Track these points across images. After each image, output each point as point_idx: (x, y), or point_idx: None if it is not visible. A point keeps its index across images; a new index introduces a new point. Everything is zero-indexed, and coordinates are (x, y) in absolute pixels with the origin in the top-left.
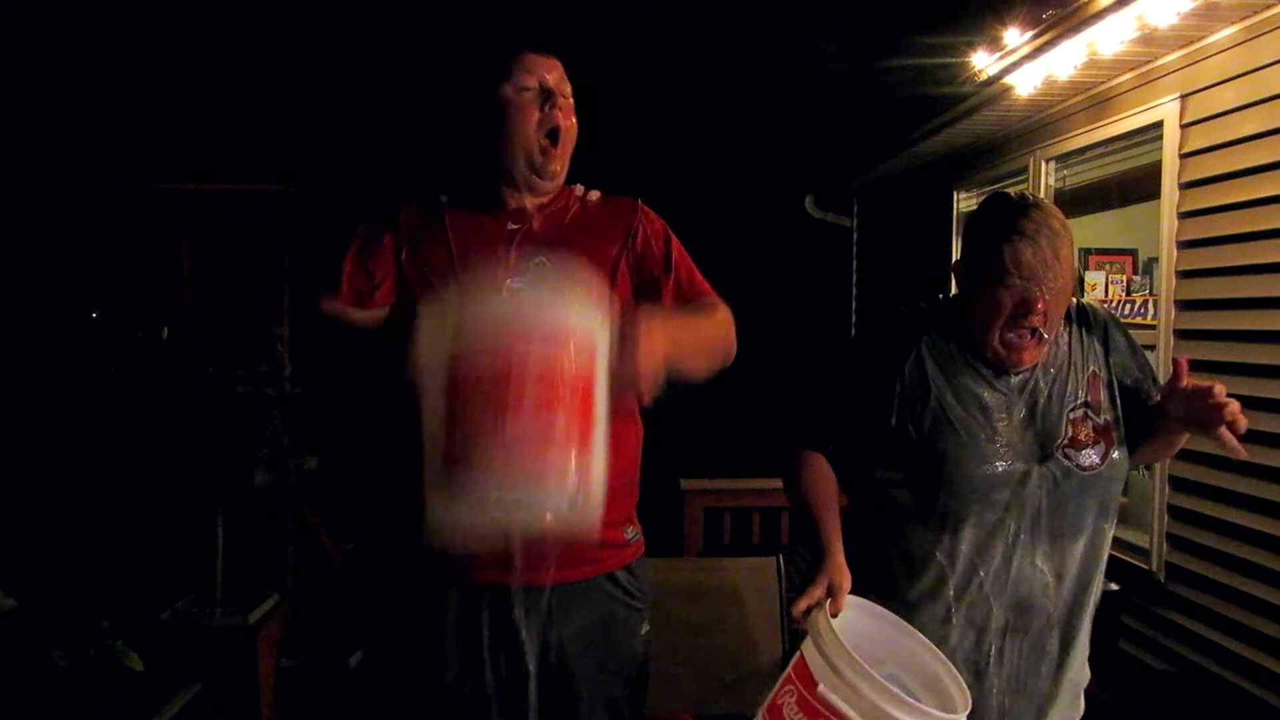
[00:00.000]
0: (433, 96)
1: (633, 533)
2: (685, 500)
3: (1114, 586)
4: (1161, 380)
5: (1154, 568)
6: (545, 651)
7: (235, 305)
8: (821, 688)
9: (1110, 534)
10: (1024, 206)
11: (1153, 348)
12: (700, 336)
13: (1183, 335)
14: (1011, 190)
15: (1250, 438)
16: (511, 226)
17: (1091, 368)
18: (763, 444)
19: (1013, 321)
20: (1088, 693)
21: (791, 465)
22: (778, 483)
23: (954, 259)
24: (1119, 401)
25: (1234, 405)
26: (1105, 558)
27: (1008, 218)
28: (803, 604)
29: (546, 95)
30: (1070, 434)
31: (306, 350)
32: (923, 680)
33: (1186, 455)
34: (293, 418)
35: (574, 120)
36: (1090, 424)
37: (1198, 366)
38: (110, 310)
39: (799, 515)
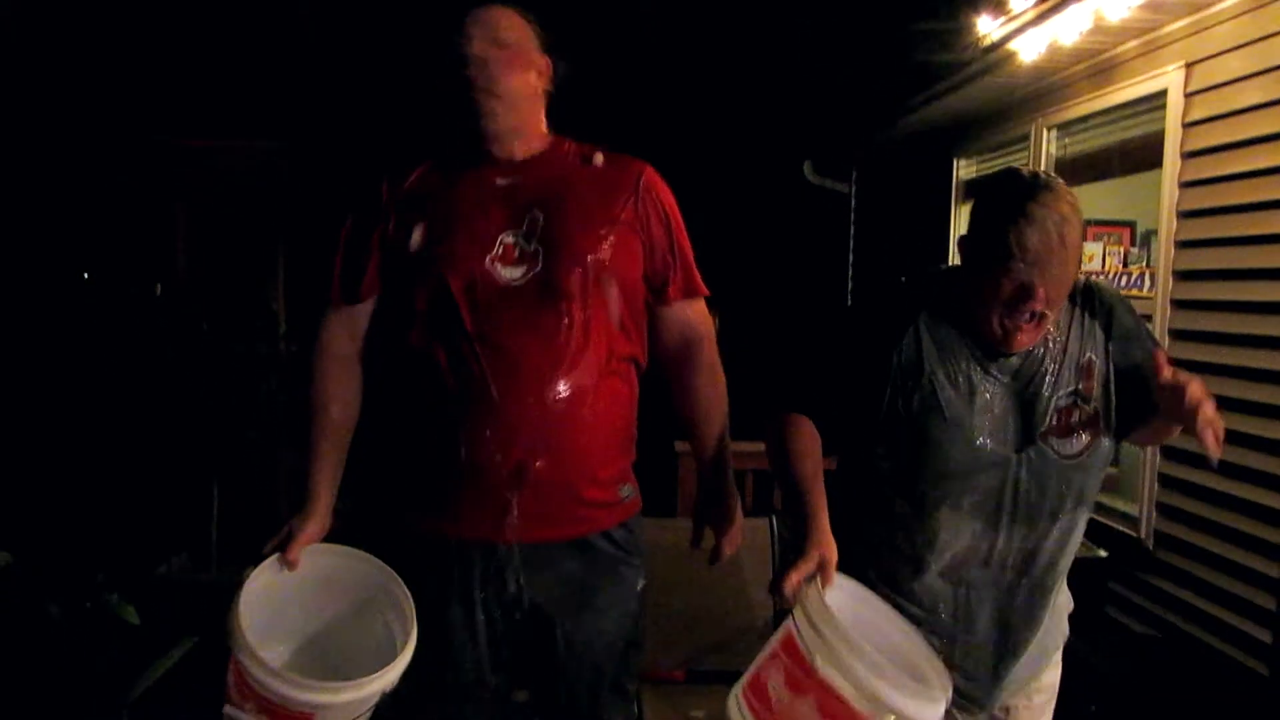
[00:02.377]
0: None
1: (628, 491)
2: (679, 461)
3: (1102, 553)
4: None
5: (1143, 535)
6: (541, 608)
7: (230, 263)
8: (820, 663)
9: (1086, 518)
10: (1034, 187)
11: (1150, 318)
12: (726, 418)
13: (1180, 305)
14: (1023, 167)
15: (1245, 408)
16: (501, 180)
17: (1089, 354)
18: (757, 407)
19: (1011, 306)
20: (1073, 655)
21: (777, 428)
22: None
23: (954, 229)
24: (1113, 388)
25: (1207, 410)
26: (1079, 539)
27: (1016, 198)
28: (794, 578)
29: (464, 56)
30: (1056, 421)
31: (301, 307)
32: (903, 666)
33: None
34: (287, 376)
35: (504, 70)
36: (1078, 412)
37: (1196, 337)
38: (103, 267)
39: (783, 480)
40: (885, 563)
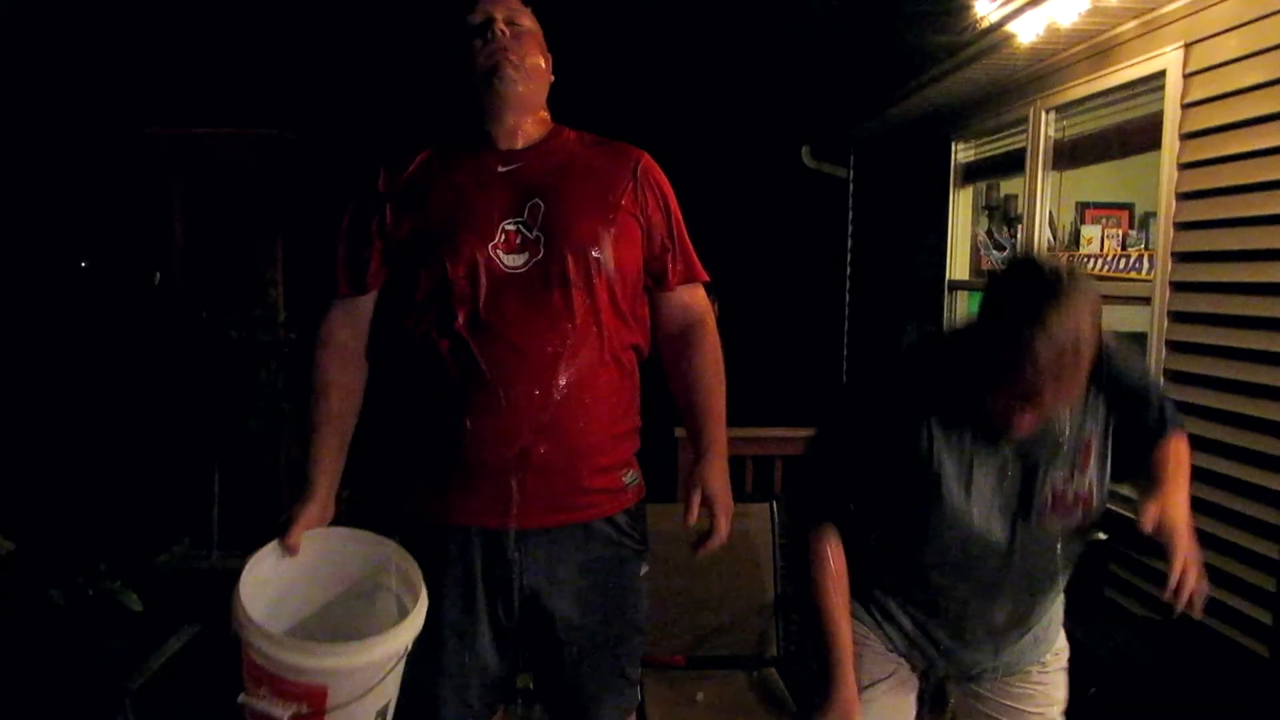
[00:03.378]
0: (421, 43)
1: (632, 477)
2: (679, 448)
3: (1102, 536)
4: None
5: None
6: (544, 593)
7: (228, 250)
8: None
9: (1071, 570)
10: (1053, 291)
11: (1148, 300)
12: (724, 396)
13: (1179, 288)
14: (1044, 260)
15: (1244, 391)
16: (502, 167)
17: (1089, 432)
18: (756, 395)
19: (1016, 402)
20: (1074, 639)
21: (805, 551)
22: (772, 431)
23: (952, 213)
24: (1110, 458)
25: (1184, 595)
26: (1064, 587)
27: (1035, 305)
28: None
29: (487, 23)
30: (1052, 500)
31: (301, 295)
32: None
33: (1177, 404)
34: (287, 363)
35: (521, 42)
36: (1073, 493)
37: (1194, 319)
38: (101, 256)
39: (809, 612)
40: (880, 582)
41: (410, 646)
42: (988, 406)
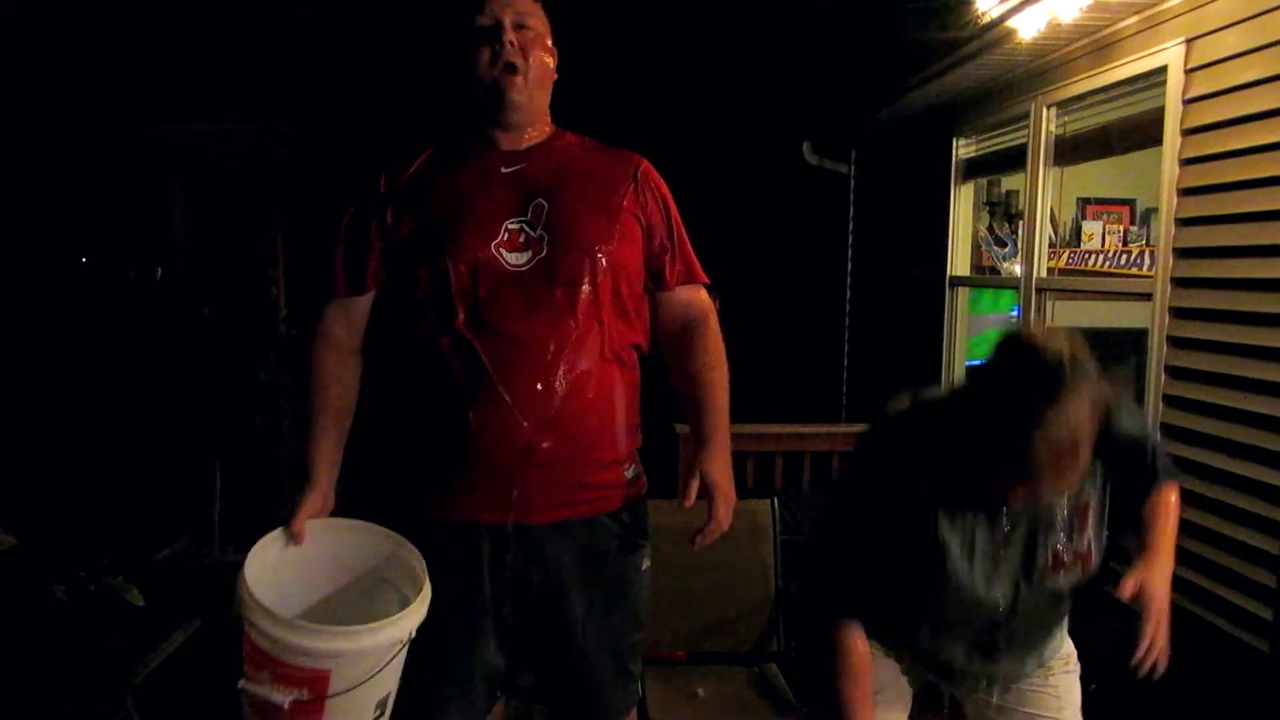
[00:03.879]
0: (422, 41)
1: (634, 472)
2: (680, 444)
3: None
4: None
5: None
6: (547, 588)
7: (229, 246)
8: None
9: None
10: (1052, 386)
11: (1150, 296)
12: (727, 392)
13: (1180, 283)
14: (1044, 347)
15: (1241, 385)
16: (505, 168)
17: (1087, 494)
18: (757, 390)
19: (1015, 483)
20: (1075, 635)
21: (829, 642)
22: (772, 427)
23: (953, 209)
24: (1107, 521)
25: (1148, 662)
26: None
27: (1033, 401)
28: None
29: (495, 29)
30: (1050, 562)
31: (301, 290)
32: None
33: (1175, 402)
34: (288, 359)
35: (530, 50)
36: (1071, 552)
37: (1194, 315)
38: (103, 252)
39: (829, 707)
40: (878, 634)
41: (414, 634)
42: (987, 486)
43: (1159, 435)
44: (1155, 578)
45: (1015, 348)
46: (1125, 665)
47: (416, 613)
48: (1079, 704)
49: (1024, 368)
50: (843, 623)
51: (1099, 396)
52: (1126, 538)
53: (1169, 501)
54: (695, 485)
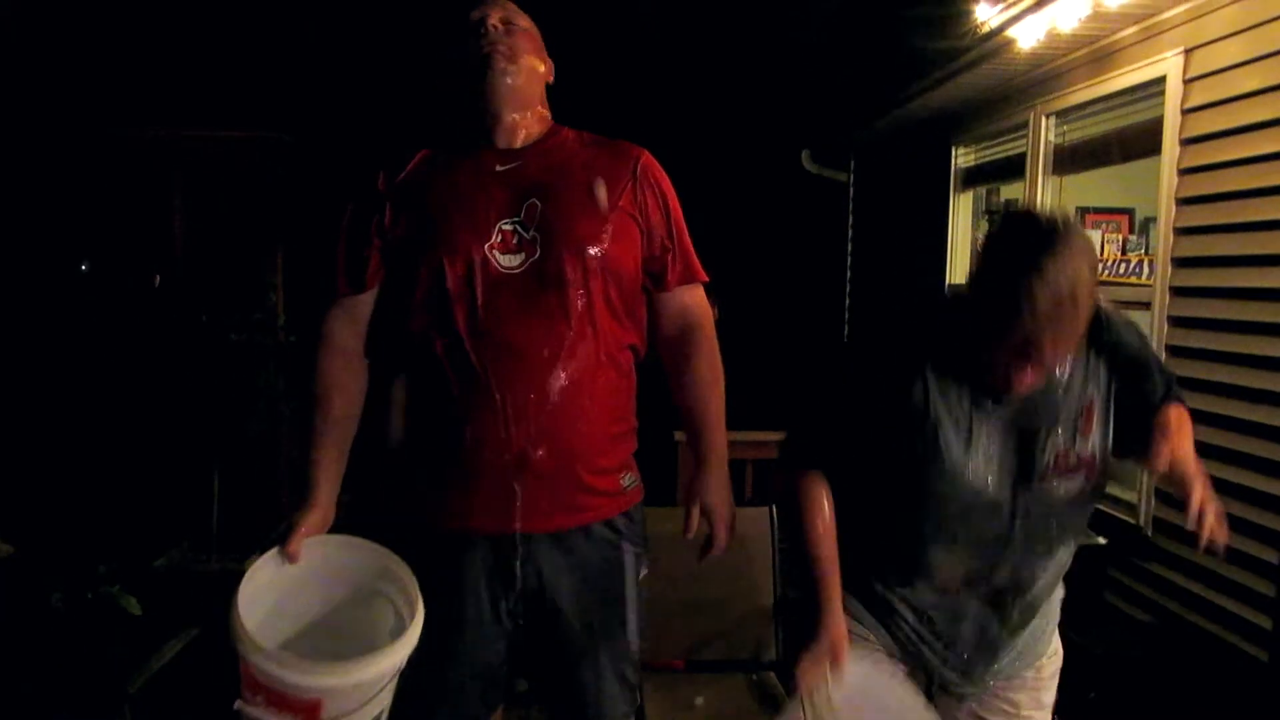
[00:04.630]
0: (423, 45)
1: (630, 479)
2: (679, 451)
3: (1101, 540)
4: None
5: (1141, 522)
6: (544, 597)
7: (228, 254)
8: None
9: (1075, 545)
10: (1049, 240)
11: (1148, 305)
12: (723, 404)
13: (1179, 292)
14: (1041, 213)
15: (1243, 395)
16: (500, 167)
17: (1090, 393)
18: (756, 398)
19: (1018, 355)
20: (1071, 642)
21: (793, 492)
22: (771, 434)
23: (953, 217)
24: (1111, 427)
25: (1208, 526)
26: (1067, 567)
27: (1030, 252)
28: (806, 667)
29: (481, 20)
30: (1053, 463)
31: (300, 298)
32: None
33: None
34: (287, 366)
35: (516, 42)
36: (1075, 455)
37: (1194, 324)
38: (102, 258)
39: (799, 556)
40: (879, 572)
41: (405, 662)
42: (987, 364)
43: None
44: (1184, 444)
45: (1013, 216)
46: (1165, 616)
47: (407, 642)
48: (1052, 703)
49: (1021, 226)
50: (812, 476)
51: (1094, 258)
52: (1137, 454)
53: (1182, 414)
54: (696, 514)
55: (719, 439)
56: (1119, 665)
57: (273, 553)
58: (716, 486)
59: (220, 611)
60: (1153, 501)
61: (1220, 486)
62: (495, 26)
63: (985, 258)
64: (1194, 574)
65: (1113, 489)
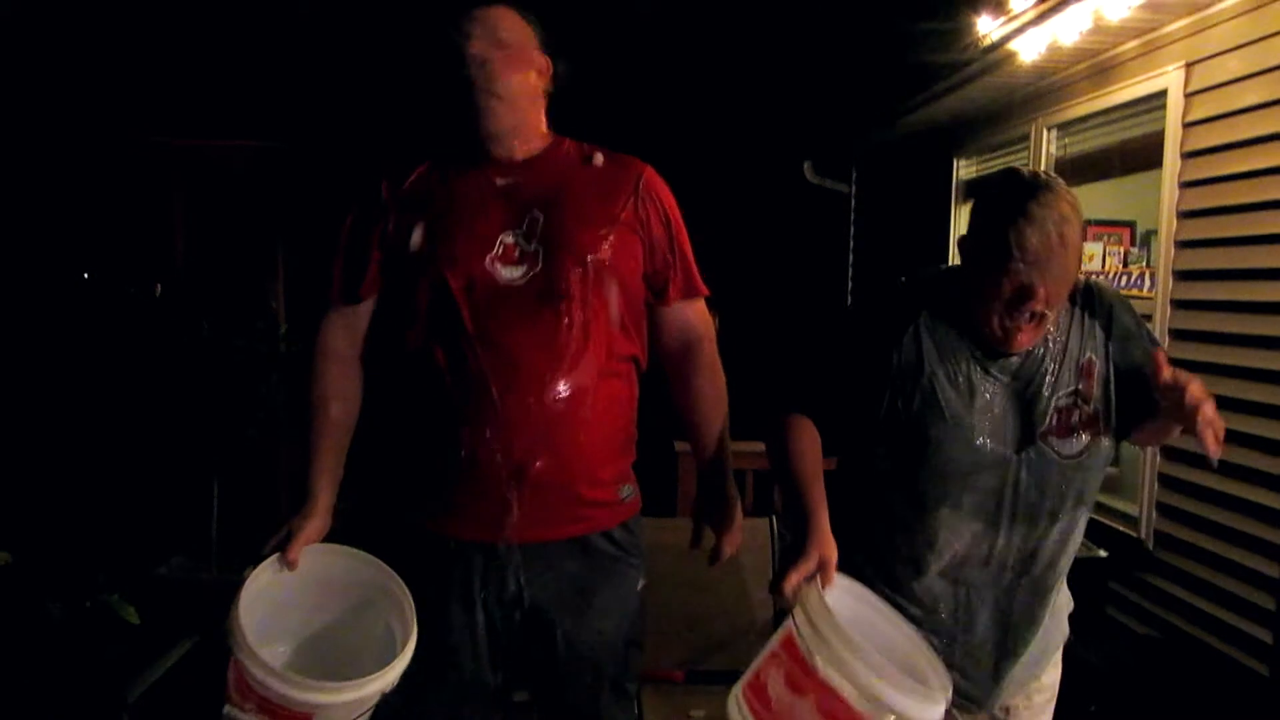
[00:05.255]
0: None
1: (628, 490)
2: (679, 461)
3: (1102, 553)
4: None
5: (1142, 535)
6: (541, 608)
7: (229, 262)
8: (820, 663)
9: (1086, 517)
10: (1034, 187)
11: (1150, 317)
12: (726, 419)
13: (1180, 305)
14: (1023, 168)
15: (1246, 409)
16: (501, 180)
17: (1088, 354)
18: (757, 407)
19: (1011, 305)
20: (1073, 655)
21: (778, 428)
22: None
23: (954, 229)
24: (1113, 388)
25: (1207, 410)
26: (1080, 538)
27: (1015, 198)
28: (794, 578)
29: (460, 57)
30: (1055, 422)
31: (301, 307)
32: (903, 666)
33: None
34: (288, 375)
35: (506, 70)
36: (1078, 412)
37: (1195, 337)
38: (102, 267)
39: (783, 481)
40: (885, 563)
41: (399, 679)
42: (984, 320)
43: (1158, 457)
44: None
45: (997, 174)
46: (1166, 629)
47: (400, 662)
48: None
49: (1005, 180)
50: (795, 414)
51: (1078, 206)
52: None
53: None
54: (704, 529)
55: (721, 453)
56: (1119, 678)
57: (271, 560)
58: (719, 503)
59: (219, 621)
60: (1153, 514)
61: (1220, 499)
62: (475, 56)
63: (974, 213)
64: (1194, 587)
65: (1114, 501)
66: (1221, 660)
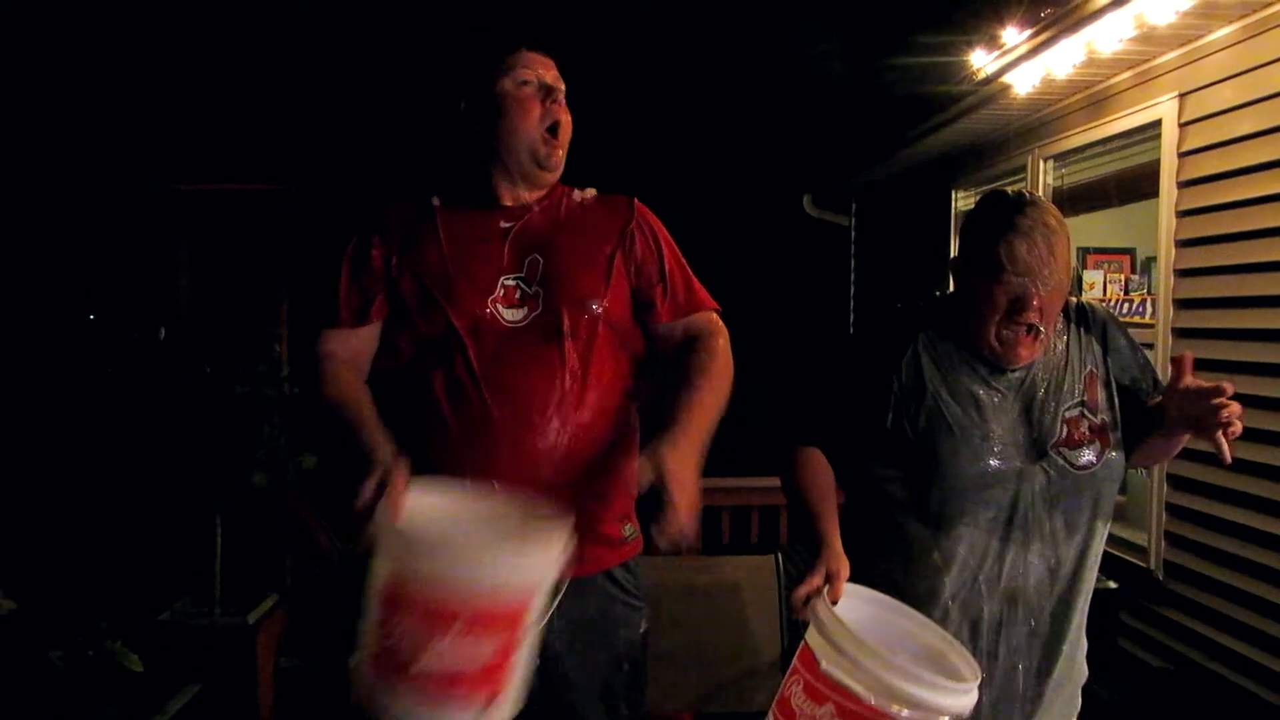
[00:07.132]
0: (430, 95)
1: (631, 530)
2: None
3: (1112, 584)
4: (1163, 380)
5: (1152, 566)
6: (543, 649)
7: (232, 305)
8: (824, 665)
9: (1105, 533)
10: (1020, 203)
11: (1151, 346)
12: (716, 401)
13: (1181, 334)
14: (1009, 188)
15: (1250, 436)
16: (505, 224)
17: (1089, 367)
18: (761, 442)
19: (1008, 318)
20: (1086, 690)
21: (789, 462)
22: (776, 481)
23: (952, 256)
24: (1117, 402)
25: (1235, 407)
26: (1099, 555)
27: (1003, 214)
28: (802, 591)
29: (547, 91)
30: (1066, 433)
31: (304, 350)
32: (928, 659)
33: (1185, 453)
34: (291, 417)
35: (570, 116)
36: (1086, 423)
37: (1197, 365)
38: (107, 310)
39: (796, 511)
40: (904, 594)
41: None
42: (983, 338)
43: (1166, 486)
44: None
45: (984, 197)
46: (1179, 661)
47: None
48: None
49: (992, 201)
50: (806, 443)
51: (1063, 220)
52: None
53: None
54: (648, 469)
55: (696, 418)
56: (1132, 711)
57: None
58: (677, 455)
59: (222, 666)
60: (1163, 545)
61: (1227, 528)
62: (558, 101)
63: (964, 234)
64: (1206, 618)
65: (1123, 531)
66: (1236, 692)
